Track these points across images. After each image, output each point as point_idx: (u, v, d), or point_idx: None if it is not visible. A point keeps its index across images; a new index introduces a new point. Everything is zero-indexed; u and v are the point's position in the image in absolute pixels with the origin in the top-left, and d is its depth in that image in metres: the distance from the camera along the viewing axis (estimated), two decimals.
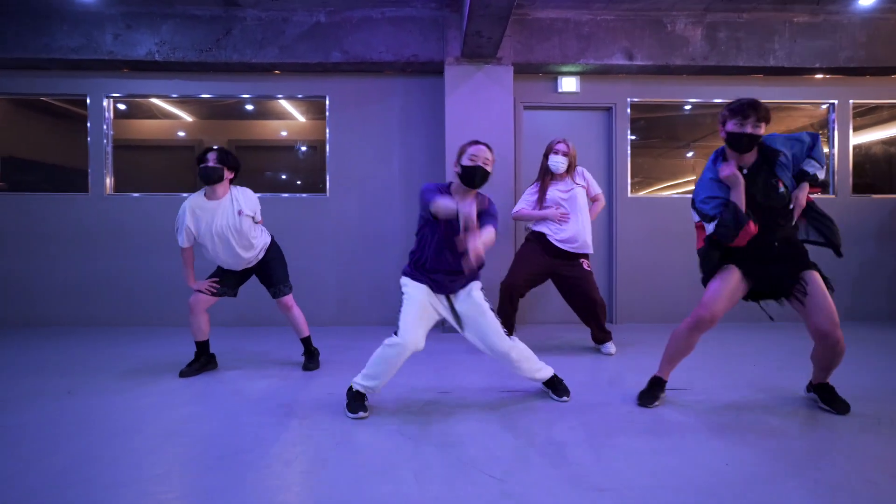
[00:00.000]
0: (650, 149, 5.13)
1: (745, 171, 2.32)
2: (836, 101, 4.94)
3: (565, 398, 2.54)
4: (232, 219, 2.95)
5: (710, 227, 2.31)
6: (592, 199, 3.71)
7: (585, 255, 3.59)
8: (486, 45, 4.19)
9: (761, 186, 2.29)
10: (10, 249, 4.73)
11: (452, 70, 4.50)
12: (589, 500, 1.57)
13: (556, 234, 3.51)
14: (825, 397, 2.43)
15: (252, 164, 6.01)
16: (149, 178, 5.21)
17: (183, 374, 3.00)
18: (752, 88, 4.93)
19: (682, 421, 2.26)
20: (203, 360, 3.11)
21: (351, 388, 2.40)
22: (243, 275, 3.19)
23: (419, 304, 2.35)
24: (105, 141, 4.80)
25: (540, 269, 3.55)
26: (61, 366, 3.26)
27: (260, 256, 3.14)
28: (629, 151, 4.90)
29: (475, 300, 2.43)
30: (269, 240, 3.21)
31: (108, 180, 4.82)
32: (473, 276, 2.48)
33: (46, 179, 6.11)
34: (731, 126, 2.26)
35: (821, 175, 2.38)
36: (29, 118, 5.74)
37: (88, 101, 4.78)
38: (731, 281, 2.38)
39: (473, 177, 2.33)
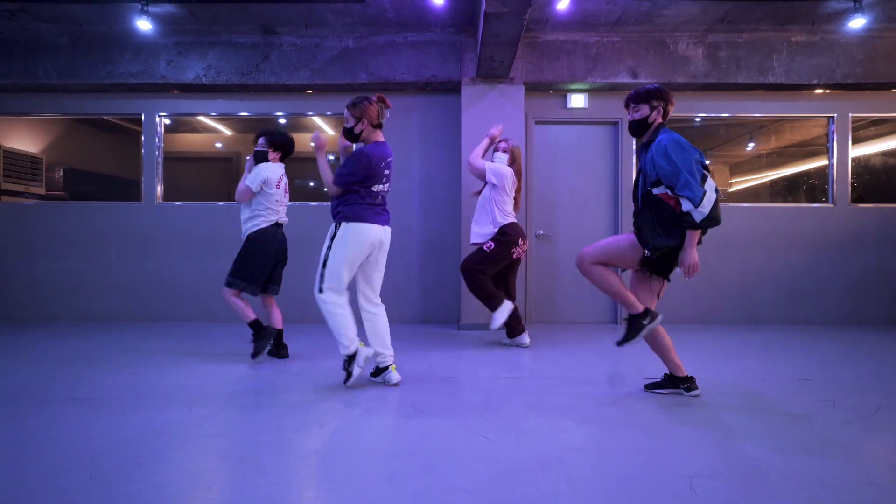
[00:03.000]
0: None
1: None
2: (835, 115, 5.17)
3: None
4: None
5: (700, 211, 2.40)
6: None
7: (478, 244, 3.98)
8: (498, 68, 4.59)
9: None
10: (71, 253, 5.32)
11: (468, 89, 4.91)
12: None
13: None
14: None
15: (288, 174, 6.52)
16: (193, 187, 5.77)
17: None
18: (753, 103, 5.21)
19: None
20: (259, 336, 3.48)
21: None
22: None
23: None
24: (157, 154, 5.36)
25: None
26: (123, 354, 3.77)
27: (244, 231, 3.45)
28: (634, 163, 5.22)
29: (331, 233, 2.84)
30: (255, 228, 3.39)
31: (158, 189, 5.37)
32: (335, 213, 2.86)
33: (100, 189, 6.77)
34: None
35: (696, 215, 2.37)
36: (86, 134, 6.39)
37: (143, 118, 5.35)
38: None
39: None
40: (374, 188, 2.82)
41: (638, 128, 2.62)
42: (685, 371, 2.71)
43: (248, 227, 3.43)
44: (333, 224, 2.83)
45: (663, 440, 2.09)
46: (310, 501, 1.63)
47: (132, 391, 2.79)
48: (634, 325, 2.61)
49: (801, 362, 3.53)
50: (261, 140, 3.52)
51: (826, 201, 5.26)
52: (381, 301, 2.97)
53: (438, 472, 1.79)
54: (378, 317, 2.92)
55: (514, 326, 4.01)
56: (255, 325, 3.41)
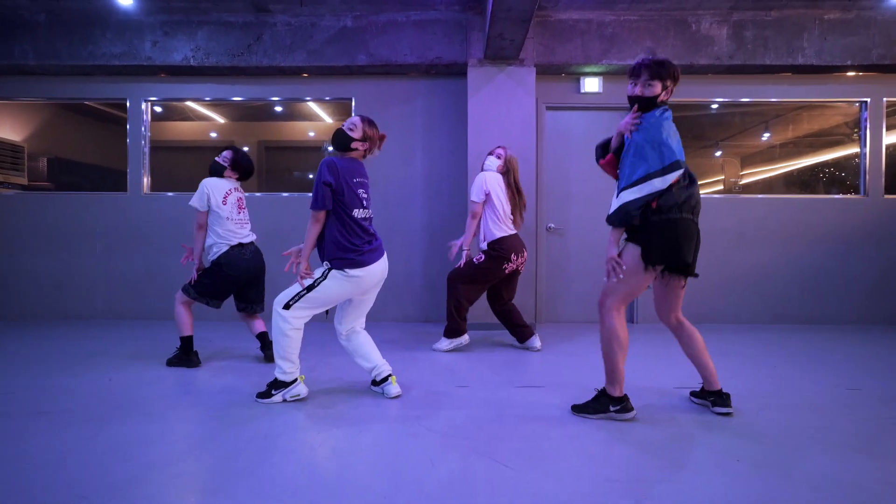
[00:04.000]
0: None
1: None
2: (868, 100, 4.82)
3: (260, 400, 2.50)
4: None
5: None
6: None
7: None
8: (508, 47, 4.25)
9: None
10: (52, 246, 5.01)
11: (475, 72, 4.57)
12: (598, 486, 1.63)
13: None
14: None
15: (281, 163, 6.21)
16: (182, 177, 5.45)
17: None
18: (780, 87, 4.86)
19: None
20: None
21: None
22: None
23: None
24: (143, 142, 5.03)
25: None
26: (105, 355, 3.47)
27: (206, 260, 3.21)
28: None
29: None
30: (216, 255, 3.13)
31: (145, 180, 5.05)
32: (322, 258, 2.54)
33: (87, 179, 6.45)
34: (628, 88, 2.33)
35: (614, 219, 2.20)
36: (72, 121, 6.06)
37: (128, 104, 5.02)
38: None
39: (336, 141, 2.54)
40: (355, 214, 2.44)
41: (646, 105, 2.27)
42: (718, 385, 2.40)
43: (210, 256, 3.16)
44: (327, 264, 2.46)
45: (714, 468, 1.78)
46: None
47: (105, 401, 2.48)
48: (601, 403, 2.30)
49: (843, 368, 3.22)
50: (225, 153, 3.23)
51: (855, 192, 4.93)
52: (379, 299, 2.68)
53: None
54: (361, 343, 2.63)
55: (523, 331, 3.72)
56: (186, 342, 3.15)
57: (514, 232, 3.61)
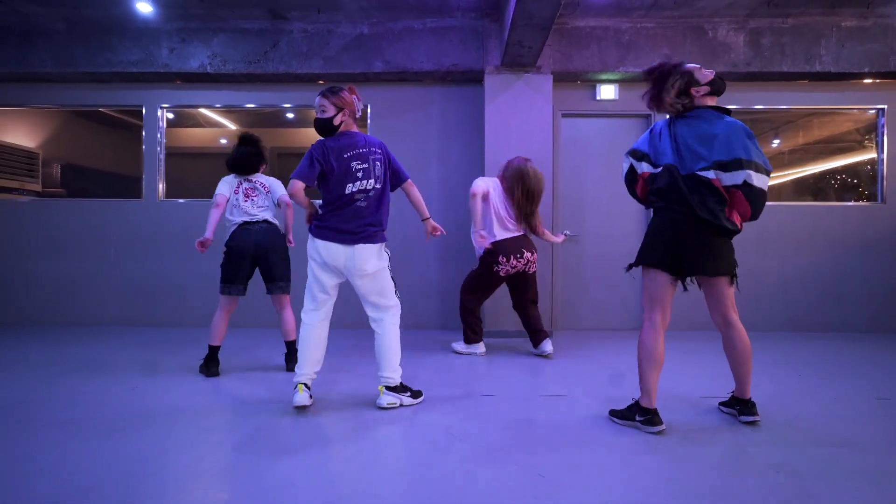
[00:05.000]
0: None
1: None
2: (885, 107, 4.81)
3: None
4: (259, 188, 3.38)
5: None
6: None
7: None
8: (526, 55, 4.25)
9: None
10: (69, 252, 5.00)
11: (492, 79, 4.57)
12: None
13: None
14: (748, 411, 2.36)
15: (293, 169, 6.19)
16: (194, 184, 5.45)
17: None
18: (797, 94, 4.85)
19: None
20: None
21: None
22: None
23: None
24: (158, 149, 5.04)
25: None
26: (124, 363, 3.45)
27: (269, 217, 3.31)
28: None
29: None
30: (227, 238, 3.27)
31: (160, 186, 5.06)
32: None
33: (99, 185, 6.46)
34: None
35: None
36: (85, 128, 6.08)
37: (144, 111, 5.03)
38: None
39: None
40: (347, 189, 2.41)
41: None
42: (748, 394, 2.37)
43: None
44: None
45: (747, 477, 1.75)
46: None
47: (130, 410, 2.46)
48: (631, 412, 2.29)
49: (869, 377, 3.18)
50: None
51: (872, 200, 4.90)
52: (404, 302, 2.62)
53: None
54: (378, 335, 2.56)
55: (536, 335, 3.72)
56: (211, 351, 3.20)
57: (512, 235, 3.63)
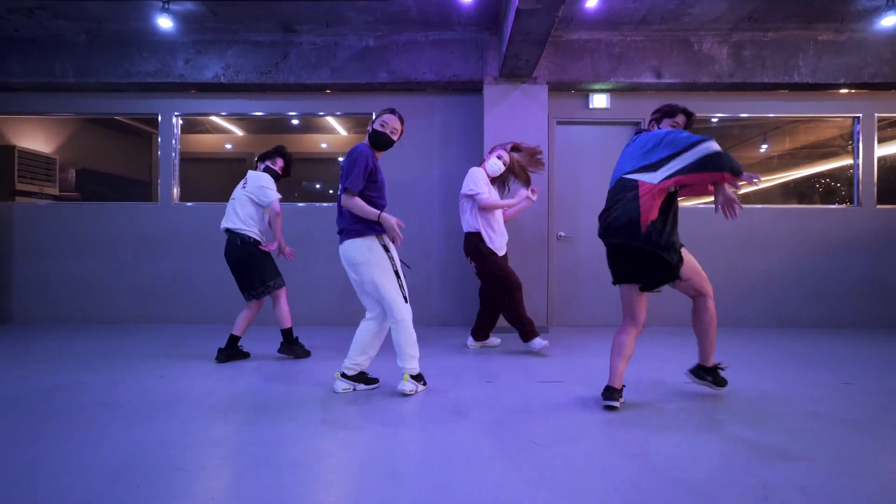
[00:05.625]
0: None
1: None
2: (860, 115, 5.11)
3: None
4: (240, 189, 3.57)
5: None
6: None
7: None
8: (523, 67, 4.53)
9: None
10: (85, 253, 5.24)
11: (491, 89, 4.85)
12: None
13: (504, 240, 3.90)
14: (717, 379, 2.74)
15: (300, 175, 6.48)
16: (203, 188, 5.71)
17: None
18: (777, 103, 5.15)
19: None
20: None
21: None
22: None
23: (386, 266, 2.70)
24: (173, 154, 5.29)
25: None
26: (147, 355, 3.70)
27: (231, 226, 3.49)
28: None
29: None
30: (251, 238, 3.47)
31: (175, 190, 5.30)
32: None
33: (111, 189, 6.72)
34: (666, 125, 2.62)
35: None
36: (98, 134, 6.34)
37: (160, 118, 5.28)
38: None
39: (379, 142, 2.70)
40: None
41: None
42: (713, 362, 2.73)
43: (242, 228, 3.56)
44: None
45: (722, 445, 2.02)
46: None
47: (162, 396, 2.72)
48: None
49: (839, 365, 3.46)
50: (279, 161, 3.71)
51: (849, 203, 5.20)
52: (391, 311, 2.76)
53: (497, 480, 1.72)
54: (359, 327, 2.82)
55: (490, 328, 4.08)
56: (286, 334, 3.61)
57: (474, 229, 3.85)
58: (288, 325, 3.57)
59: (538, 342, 3.74)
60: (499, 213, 3.87)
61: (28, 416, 2.38)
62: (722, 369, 2.75)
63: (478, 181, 3.75)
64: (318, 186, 6.41)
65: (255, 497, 1.60)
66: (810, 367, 3.41)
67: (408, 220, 5.19)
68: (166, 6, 4.31)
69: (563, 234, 5.20)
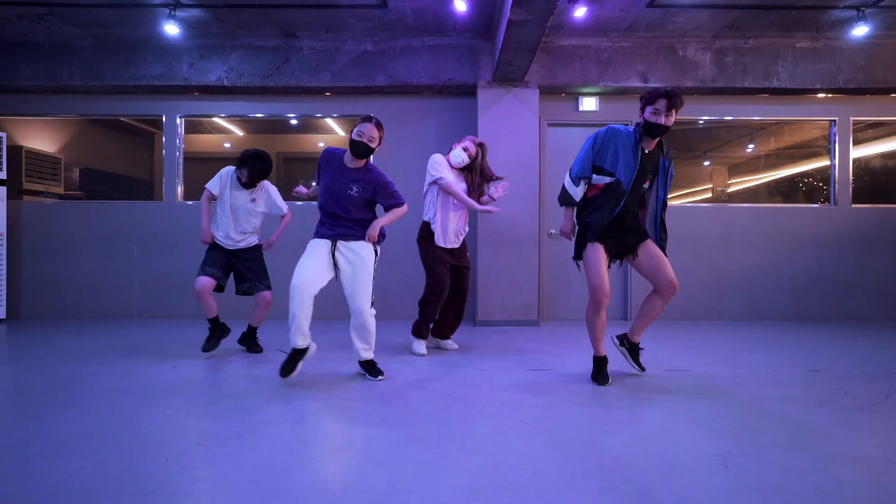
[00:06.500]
0: None
1: (647, 152, 2.79)
2: (836, 118, 5.36)
3: (380, 377, 2.96)
4: (247, 202, 3.51)
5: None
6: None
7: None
8: (515, 72, 4.74)
9: (644, 171, 2.80)
10: (95, 251, 5.42)
11: (484, 92, 5.06)
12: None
13: (451, 229, 3.67)
14: (635, 355, 3.09)
15: (298, 174, 6.67)
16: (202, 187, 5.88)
17: (206, 349, 3.54)
18: (758, 107, 5.39)
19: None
20: (217, 334, 3.62)
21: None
22: (230, 264, 3.59)
23: (310, 253, 2.88)
24: (177, 154, 5.46)
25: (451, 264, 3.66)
26: (160, 348, 3.89)
27: (242, 244, 3.55)
28: None
29: (361, 255, 2.88)
30: (257, 241, 3.66)
31: (179, 189, 5.48)
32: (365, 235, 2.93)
33: (114, 188, 6.88)
34: (648, 114, 2.70)
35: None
36: (101, 134, 6.50)
37: (164, 120, 5.45)
38: (602, 257, 2.85)
39: (356, 151, 2.87)
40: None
41: (665, 132, 2.74)
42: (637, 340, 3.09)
43: (254, 240, 3.66)
44: (368, 244, 2.95)
45: (692, 425, 2.25)
46: (379, 483, 1.78)
47: (178, 383, 2.92)
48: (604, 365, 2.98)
49: (809, 355, 3.71)
50: (256, 168, 3.50)
51: (827, 202, 5.45)
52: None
53: (488, 452, 1.94)
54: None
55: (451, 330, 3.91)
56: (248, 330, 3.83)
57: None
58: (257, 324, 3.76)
59: (419, 345, 3.65)
60: (459, 212, 3.68)
61: (55, 401, 2.57)
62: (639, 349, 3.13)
63: (439, 167, 3.60)
64: (314, 185, 6.59)
65: (282, 475, 1.81)
66: (782, 356, 3.65)
67: (404, 221, 5.39)
68: (172, 13, 4.49)
69: (553, 231, 5.42)
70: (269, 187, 3.62)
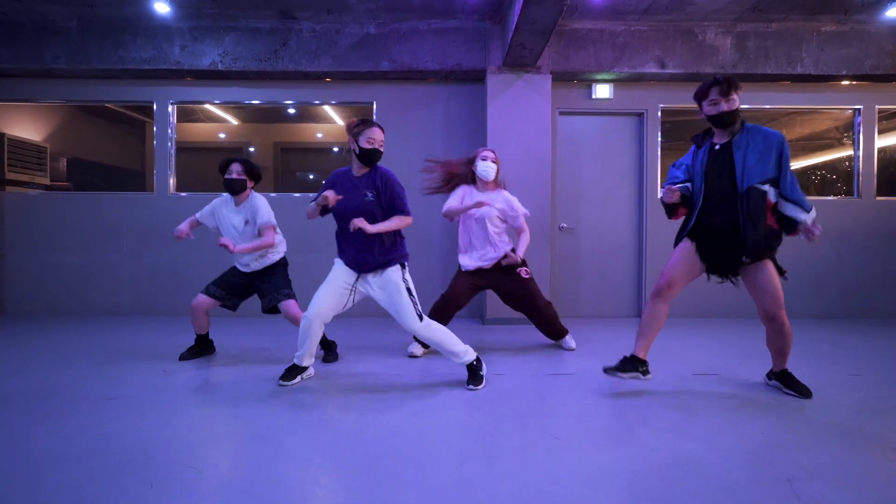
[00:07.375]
0: (677, 151, 5.37)
1: (717, 147, 2.54)
2: (861, 107, 5.12)
3: (472, 387, 2.71)
4: (240, 225, 3.21)
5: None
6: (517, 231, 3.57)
7: (521, 265, 3.52)
8: (527, 56, 4.47)
9: (719, 167, 2.50)
10: (80, 244, 5.14)
11: (494, 78, 4.79)
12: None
13: (470, 260, 3.52)
14: (787, 383, 2.64)
15: (296, 164, 6.40)
16: (201, 178, 5.60)
17: (182, 358, 3.30)
18: (780, 94, 5.15)
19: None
20: (200, 349, 3.39)
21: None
22: (247, 285, 3.31)
23: (331, 281, 2.73)
24: (169, 144, 5.18)
25: (470, 286, 3.49)
26: (149, 350, 3.64)
27: (257, 267, 3.24)
28: (659, 154, 5.14)
29: (390, 279, 2.68)
30: (277, 258, 3.30)
31: (171, 180, 5.20)
32: (391, 258, 2.70)
33: (104, 179, 6.58)
34: (707, 109, 2.49)
35: (809, 220, 2.39)
36: (90, 123, 6.19)
37: (155, 107, 5.16)
38: (685, 253, 2.62)
39: (372, 158, 2.67)
40: None
41: (733, 118, 2.46)
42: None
43: (277, 258, 3.31)
44: (399, 267, 2.71)
45: (742, 440, 2.02)
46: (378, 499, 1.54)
47: (168, 390, 2.67)
48: (631, 364, 2.61)
49: (842, 356, 3.49)
50: (235, 167, 3.18)
51: (849, 194, 5.23)
52: None
53: (520, 476, 1.70)
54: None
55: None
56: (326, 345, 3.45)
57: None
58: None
59: (416, 345, 3.51)
60: (474, 226, 3.48)
61: (29, 410, 2.32)
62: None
63: (451, 196, 3.53)
64: (311, 177, 6.33)
65: (266, 485, 1.57)
66: (811, 357, 3.43)
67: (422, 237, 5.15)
68: None
69: (565, 224, 5.18)
70: (255, 201, 3.23)
